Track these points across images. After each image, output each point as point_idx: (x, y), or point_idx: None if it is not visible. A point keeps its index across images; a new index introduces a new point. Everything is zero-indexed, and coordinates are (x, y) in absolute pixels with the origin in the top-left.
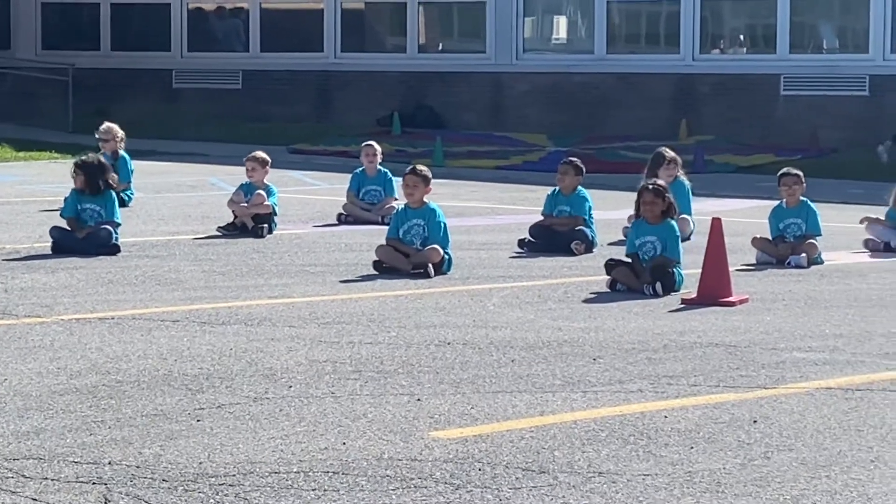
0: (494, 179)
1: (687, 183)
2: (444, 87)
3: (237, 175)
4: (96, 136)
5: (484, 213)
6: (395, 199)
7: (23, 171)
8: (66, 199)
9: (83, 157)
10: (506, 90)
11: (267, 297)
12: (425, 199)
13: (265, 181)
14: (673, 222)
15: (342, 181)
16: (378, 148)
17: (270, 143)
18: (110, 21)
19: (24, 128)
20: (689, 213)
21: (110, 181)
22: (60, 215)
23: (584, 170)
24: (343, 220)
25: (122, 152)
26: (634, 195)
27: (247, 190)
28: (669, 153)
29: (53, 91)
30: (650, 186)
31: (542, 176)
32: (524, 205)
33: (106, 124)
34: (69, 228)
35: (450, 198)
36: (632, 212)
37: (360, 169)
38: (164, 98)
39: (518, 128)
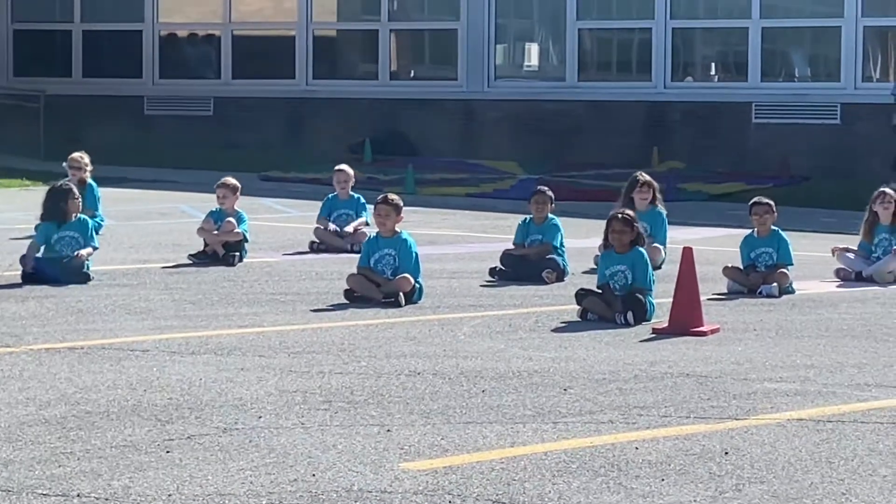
0: (465, 207)
1: (663, 211)
2: (416, 114)
3: (208, 202)
4: (64, 164)
5: (455, 241)
6: (367, 223)
7: None
8: (38, 227)
9: (53, 184)
10: (477, 117)
11: (237, 327)
12: (397, 228)
13: (236, 208)
14: (642, 250)
15: (314, 208)
16: (350, 172)
17: (242, 170)
18: (82, 47)
19: None
20: (665, 242)
21: (69, 208)
22: (35, 243)
23: (552, 198)
24: (315, 248)
25: (89, 180)
26: (604, 223)
27: (216, 217)
28: (644, 177)
29: (25, 118)
30: (619, 216)
31: (513, 204)
32: (495, 233)
33: (75, 153)
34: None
35: (421, 225)
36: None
37: (333, 194)
38: (136, 125)
39: (490, 155)
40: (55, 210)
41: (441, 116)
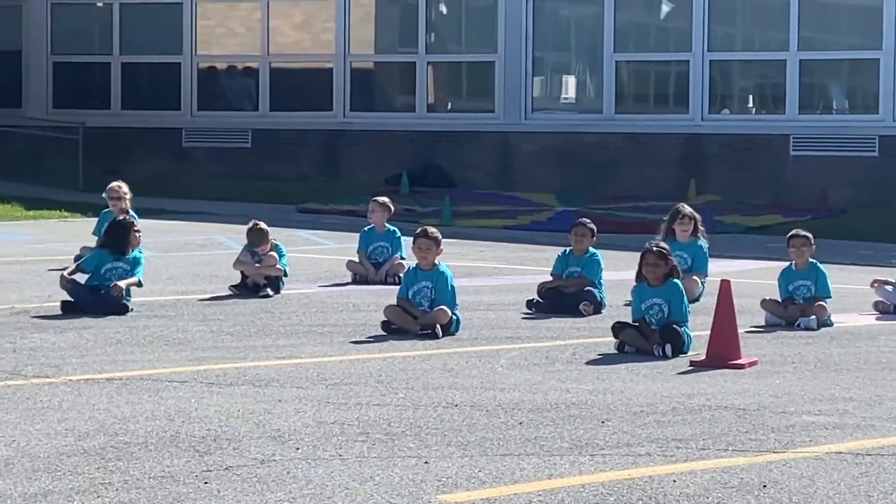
0: (502, 239)
1: (705, 244)
2: (453, 147)
3: (245, 234)
4: (104, 195)
5: (492, 273)
6: (402, 259)
7: (33, 229)
8: (89, 254)
9: (119, 218)
10: (514, 149)
11: (275, 358)
12: (436, 262)
13: (275, 241)
14: (677, 282)
15: (350, 240)
16: (387, 204)
17: (279, 201)
18: (121, 80)
19: (35, 186)
20: (706, 274)
21: (131, 241)
22: (80, 266)
23: (595, 231)
24: (357, 279)
25: (130, 210)
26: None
27: (253, 251)
28: (686, 209)
29: (64, 149)
30: (653, 248)
31: (550, 236)
32: (532, 265)
33: (114, 183)
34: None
35: (458, 257)
36: None
37: (369, 227)
38: (174, 157)
39: (526, 187)
40: (116, 242)
41: (478, 149)
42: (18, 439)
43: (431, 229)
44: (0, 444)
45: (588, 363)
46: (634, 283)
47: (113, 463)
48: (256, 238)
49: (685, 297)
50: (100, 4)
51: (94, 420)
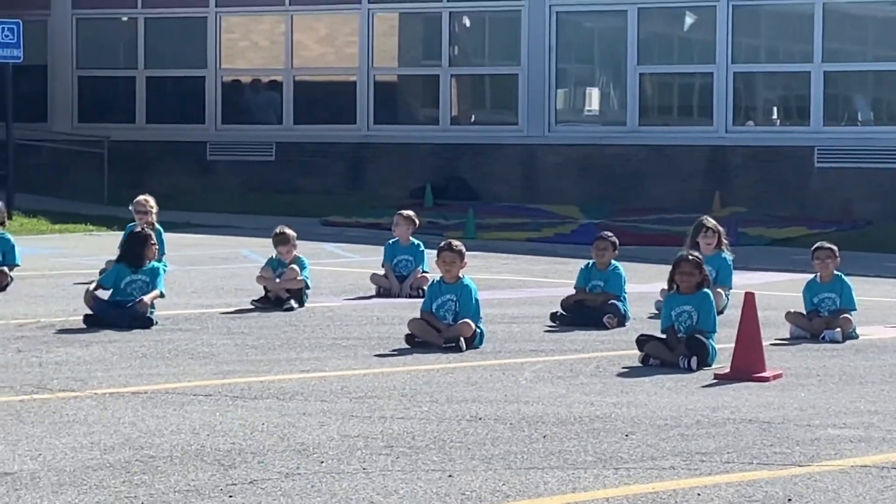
0: (526, 252)
1: (729, 256)
2: (477, 159)
3: (269, 247)
4: (130, 208)
5: (515, 286)
6: (424, 272)
7: (59, 243)
8: (107, 270)
9: (144, 230)
10: (538, 162)
11: (299, 371)
12: (460, 275)
13: (296, 254)
14: (708, 291)
15: (374, 253)
16: (412, 217)
17: (303, 215)
18: (146, 94)
19: (60, 200)
20: (730, 287)
21: (147, 254)
22: (100, 283)
23: (617, 244)
24: (381, 292)
25: (156, 224)
26: (667, 268)
27: (276, 265)
28: (710, 222)
29: (89, 163)
30: (689, 257)
31: (573, 248)
32: (555, 277)
33: (141, 196)
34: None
35: (481, 270)
36: (664, 286)
37: (394, 240)
38: (199, 170)
39: (550, 200)
40: (132, 254)
41: (502, 161)
42: (45, 453)
43: (455, 242)
44: (26, 458)
45: (612, 376)
46: (661, 295)
47: (138, 477)
48: (279, 240)
49: (714, 308)
50: (125, 18)
51: (119, 434)
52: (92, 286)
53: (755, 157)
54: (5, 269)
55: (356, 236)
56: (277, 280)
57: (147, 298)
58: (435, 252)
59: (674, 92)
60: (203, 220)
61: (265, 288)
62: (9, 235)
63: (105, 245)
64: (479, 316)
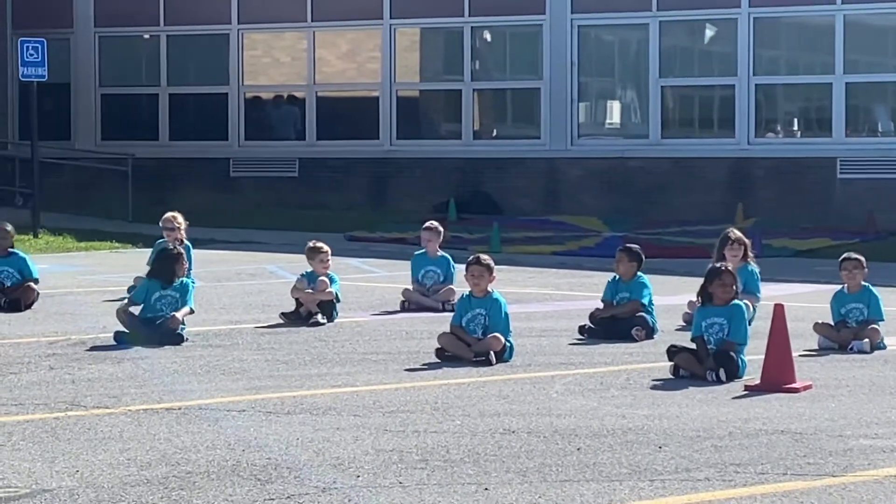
0: (551, 265)
1: (756, 268)
2: (500, 173)
3: (296, 262)
4: (160, 224)
5: (542, 300)
6: (453, 289)
7: (84, 261)
8: (136, 287)
9: (174, 247)
10: (561, 175)
11: (331, 386)
12: (489, 289)
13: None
14: (740, 303)
15: (400, 268)
16: (439, 229)
17: (327, 230)
18: (168, 111)
19: (85, 218)
20: (758, 298)
21: (178, 272)
22: (132, 298)
23: (642, 256)
24: (405, 307)
25: (186, 241)
26: (691, 280)
27: (310, 278)
28: (735, 234)
29: (113, 181)
30: (728, 268)
31: (598, 261)
32: (582, 290)
33: (169, 213)
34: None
35: (507, 284)
36: (692, 297)
37: (421, 251)
38: (222, 186)
39: (573, 213)
40: (163, 271)
41: (524, 175)
42: (82, 469)
43: (484, 256)
44: (64, 475)
45: (643, 388)
46: (690, 307)
47: (176, 493)
48: (314, 253)
49: (746, 320)
50: (147, 36)
51: (155, 450)
52: (125, 303)
53: (777, 168)
54: (31, 283)
55: (381, 251)
56: (310, 291)
57: (179, 315)
58: (463, 266)
59: (695, 104)
60: (228, 237)
61: (297, 301)
62: (20, 251)
63: (131, 262)
64: (508, 330)
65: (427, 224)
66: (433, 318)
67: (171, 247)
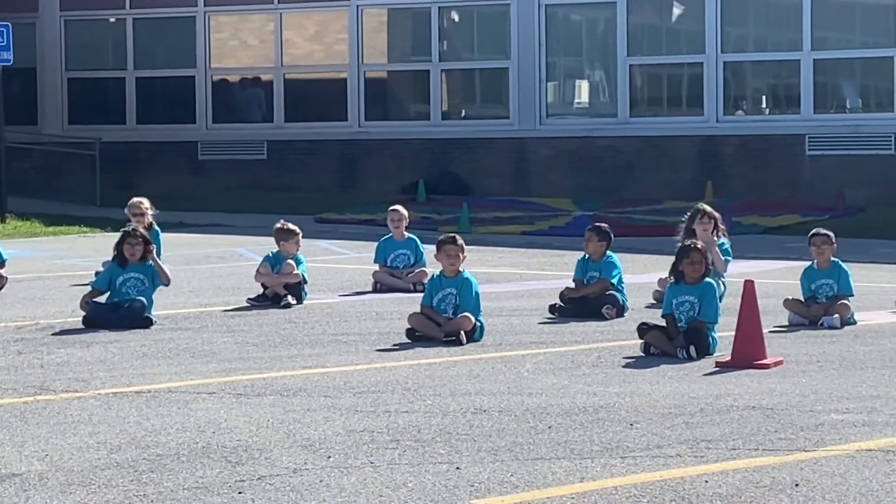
0: (521, 245)
1: (726, 242)
2: (468, 154)
3: (264, 245)
4: (126, 211)
5: (512, 279)
6: (426, 271)
7: (52, 245)
8: (101, 272)
9: (132, 228)
10: (530, 155)
11: (301, 368)
12: (460, 268)
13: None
14: (711, 281)
15: (369, 249)
16: (404, 212)
17: (296, 212)
18: (136, 94)
19: (53, 202)
20: (725, 266)
21: (134, 252)
22: (94, 287)
23: (611, 235)
24: (377, 288)
25: (155, 226)
26: (661, 258)
27: (273, 261)
28: (706, 208)
29: (81, 165)
30: (698, 246)
31: (568, 240)
32: (552, 269)
33: (135, 199)
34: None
35: (477, 264)
36: (662, 275)
37: (387, 236)
38: (191, 170)
39: (543, 192)
40: (118, 253)
41: (493, 155)
42: (51, 453)
43: (458, 236)
44: (33, 459)
45: (613, 366)
46: (660, 285)
47: (146, 475)
48: (283, 235)
49: (717, 298)
50: (113, 20)
51: (125, 433)
52: (87, 294)
53: (746, 145)
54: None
55: (350, 233)
56: (275, 275)
57: (162, 272)
58: (436, 246)
59: (664, 83)
60: (196, 220)
61: (263, 285)
62: None
63: (99, 246)
64: (479, 309)
65: (393, 207)
66: (403, 298)
67: (133, 229)
